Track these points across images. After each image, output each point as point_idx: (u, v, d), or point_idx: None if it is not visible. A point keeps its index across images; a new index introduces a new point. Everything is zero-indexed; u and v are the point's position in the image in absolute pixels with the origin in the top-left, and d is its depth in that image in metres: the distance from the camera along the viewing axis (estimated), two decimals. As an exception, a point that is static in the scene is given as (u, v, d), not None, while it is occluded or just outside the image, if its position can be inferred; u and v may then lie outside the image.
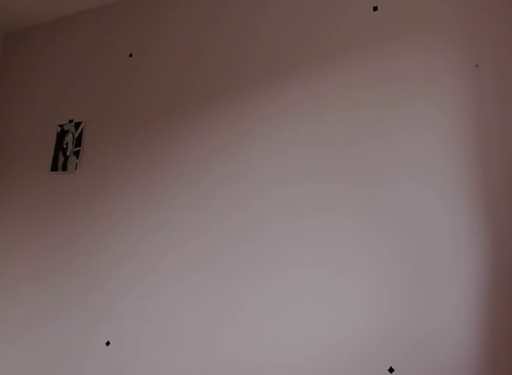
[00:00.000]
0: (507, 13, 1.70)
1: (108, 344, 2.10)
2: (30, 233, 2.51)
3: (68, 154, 2.54)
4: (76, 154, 2.51)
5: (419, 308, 1.64)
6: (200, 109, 2.20)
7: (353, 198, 1.81)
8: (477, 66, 1.70)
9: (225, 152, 2.09)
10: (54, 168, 2.57)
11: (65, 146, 2.57)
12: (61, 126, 2.62)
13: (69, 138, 2.57)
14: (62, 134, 2.60)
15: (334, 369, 1.71)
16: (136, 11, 2.48)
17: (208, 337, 1.93)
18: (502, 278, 1.55)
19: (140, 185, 2.26)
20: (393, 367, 1.62)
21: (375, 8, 1.89)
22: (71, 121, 2.59)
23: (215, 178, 2.08)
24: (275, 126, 2.00)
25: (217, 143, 2.12)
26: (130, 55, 2.40)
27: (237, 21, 2.19)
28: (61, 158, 2.56)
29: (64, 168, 2.53)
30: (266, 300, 1.87)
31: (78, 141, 2.52)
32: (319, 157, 1.90)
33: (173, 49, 2.33)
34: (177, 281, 2.05)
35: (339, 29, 1.96)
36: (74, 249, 2.35)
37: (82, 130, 2.53)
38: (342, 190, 1.83)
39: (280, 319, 1.83)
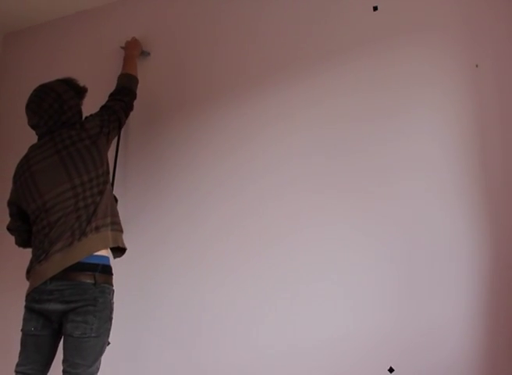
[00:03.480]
0: (507, 13, 1.70)
1: (108, 344, 2.10)
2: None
3: (68, 154, 2.53)
4: (76, 154, 2.50)
5: (419, 309, 1.64)
6: (200, 109, 2.20)
7: (354, 199, 1.81)
8: (477, 66, 1.71)
9: (226, 153, 2.10)
10: (54, 168, 2.56)
11: (65, 146, 2.56)
12: (61, 126, 2.61)
13: (69, 138, 2.55)
14: (62, 134, 2.59)
15: (334, 369, 1.71)
16: (136, 11, 2.48)
17: (209, 338, 1.94)
18: (502, 278, 1.56)
19: (140, 184, 2.26)
20: (393, 367, 1.62)
21: (375, 8, 1.89)
22: (71, 121, 2.58)
23: (214, 179, 2.08)
24: (273, 129, 2.00)
25: (217, 143, 2.12)
26: (130, 55, 2.39)
27: (237, 20, 2.19)
28: (61, 158, 2.55)
29: (64, 168, 2.52)
30: (265, 300, 1.87)
31: (78, 141, 2.51)
32: (318, 162, 1.90)
33: (173, 49, 2.34)
34: (178, 280, 2.05)
35: (339, 29, 1.95)
36: (74, 249, 2.35)
37: (82, 130, 2.52)
38: (342, 191, 1.84)
39: (280, 319, 1.83)
